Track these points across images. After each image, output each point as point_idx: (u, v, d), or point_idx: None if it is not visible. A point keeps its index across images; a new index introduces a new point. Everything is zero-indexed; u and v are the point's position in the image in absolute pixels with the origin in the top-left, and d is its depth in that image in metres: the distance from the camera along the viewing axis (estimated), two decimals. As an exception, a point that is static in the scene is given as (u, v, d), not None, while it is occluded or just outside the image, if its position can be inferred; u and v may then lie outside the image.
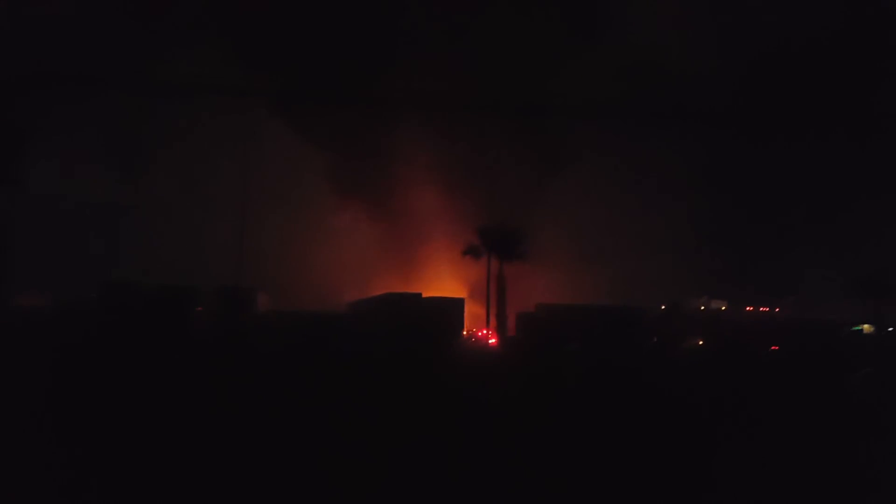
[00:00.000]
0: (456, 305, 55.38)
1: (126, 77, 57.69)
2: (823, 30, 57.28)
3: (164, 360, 33.42)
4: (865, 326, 60.00)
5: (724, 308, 68.03)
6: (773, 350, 55.30)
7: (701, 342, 59.56)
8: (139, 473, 14.31)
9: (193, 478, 14.31)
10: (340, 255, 69.54)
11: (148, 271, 53.61)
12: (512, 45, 61.70)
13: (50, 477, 13.75)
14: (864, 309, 57.59)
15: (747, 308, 68.10)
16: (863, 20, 57.29)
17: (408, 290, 59.22)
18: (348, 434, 18.64)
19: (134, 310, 46.96)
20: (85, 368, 29.33)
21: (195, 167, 63.48)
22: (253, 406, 21.91)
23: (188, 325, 49.79)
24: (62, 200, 59.16)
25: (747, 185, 64.74)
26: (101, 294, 48.99)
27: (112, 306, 46.90)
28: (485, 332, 57.48)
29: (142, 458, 15.21)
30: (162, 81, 58.65)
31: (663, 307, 61.86)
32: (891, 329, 58.99)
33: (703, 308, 67.22)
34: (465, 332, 57.29)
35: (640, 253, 64.23)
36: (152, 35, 62.71)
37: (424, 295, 58.38)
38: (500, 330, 55.88)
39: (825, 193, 62.78)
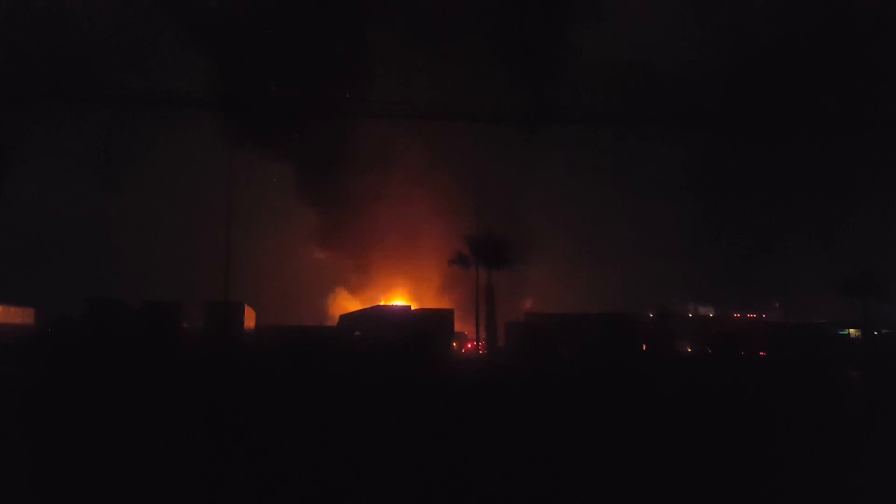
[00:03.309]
0: (445, 317, 55.10)
1: (109, 90, 57.16)
2: (809, 33, 58.27)
3: (150, 377, 32.82)
4: (852, 331, 60.57)
5: (711, 315, 68.58)
6: (761, 356, 55.63)
7: (690, 349, 59.82)
8: (124, 494, 14.01)
9: (180, 499, 14.03)
10: (326, 267, 69.34)
11: (132, 287, 52.92)
12: (499, 51, 62.02)
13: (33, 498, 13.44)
14: (853, 311, 58.20)
15: (734, 314, 68.66)
16: (846, 27, 58.30)
17: (396, 303, 59.08)
18: (342, 449, 18.41)
19: (119, 326, 46.14)
20: (69, 386, 28.71)
21: (179, 181, 63.00)
22: (243, 423, 21.57)
23: (174, 341, 48.92)
24: (45, 215, 58.31)
25: (734, 189, 65.42)
26: (84, 310, 48.11)
27: (96, 323, 46.04)
28: (474, 342, 57.23)
29: (126, 478, 14.89)
30: (145, 94, 58.26)
31: (651, 314, 62.07)
32: (876, 333, 59.57)
33: (690, 315, 67.65)
34: (454, 344, 57.00)
35: (627, 260, 64.64)
36: (134, 47, 62.35)
37: (413, 307, 58.29)
38: (490, 340, 55.61)
39: (812, 196, 63.59)
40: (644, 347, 56.09)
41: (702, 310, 68.54)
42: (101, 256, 57.86)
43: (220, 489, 14.51)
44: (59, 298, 50.31)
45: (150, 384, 30.63)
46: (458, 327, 56.79)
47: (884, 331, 59.26)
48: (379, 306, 57.49)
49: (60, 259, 56.14)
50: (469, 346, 58.12)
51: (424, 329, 50.90)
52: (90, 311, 47.27)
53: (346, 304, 65.36)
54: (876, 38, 58.45)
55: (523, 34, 62.53)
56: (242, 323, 54.24)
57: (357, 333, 52.09)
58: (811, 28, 57.99)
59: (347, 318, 57.65)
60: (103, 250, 58.48)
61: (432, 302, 63.10)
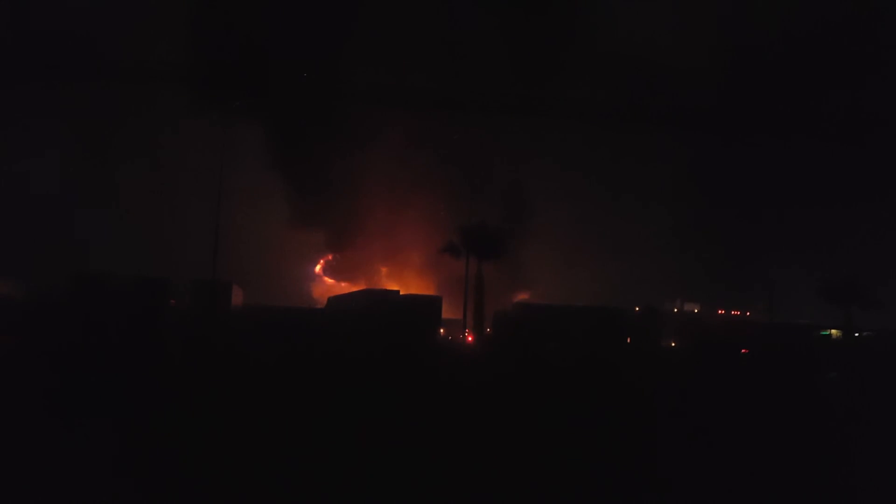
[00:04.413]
0: (433, 303, 55.34)
1: (102, 65, 56.55)
2: (798, 34, 58.31)
3: (136, 354, 32.81)
4: (833, 331, 61.32)
5: (696, 311, 69.12)
6: (744, 353, 56.33)
7: (673, 344, 60.43)
8: (109, 472, 13.98)
9: (167, 478, 14.03)
10: (315, 249, 69.32)
11: (120, 262, 52.68)
12: (496, 43, 61.66)
13: (17, 474, 13.41)
14: (836, 313, 58.93)
15: (719, 311, 69.26)
16: (847, 29, 58.31)
17: (385, 288, 59.18)
18: (330, 433, 18.50)
19: (106, 301, 46.04)
20: (55, 361, 28.65)
21: (170, 157, 62.53)
22: (229, 404, 21.61)
23: (161, 318, 48.87)
24: (35, 188, 57.76)
25: (723, 187, 65.76)
26: (72, 285, 47.95)
27: (84, 297, 45.92)
28: (467, 330, 57.39)
29: (112, 457, 14.87)
30: (138, 70, 57.76)
31: (638, 309, 62.51)
32: (857, 334, 60.32)
33: (676, 311, 68.16)
34: (442, 331, 57.25)
35: (616, 254, 64.92)
36: (126, 21, 61.51)
37: (402, 293, 58.42)
38: (478, 328, 55.96)
39: (802, 199, 64.06)
40: (628, 341, 56.69)
41: (687, 306, 69.04)
42: (89, 231, 57.47)
43: (209, 471, 14.56)
44: (45, 273, 50.00)
45: (135, 361, 30.65)
46: (447, 314, 56.99)
47: (864, 333, 60.05)
48: (368, 290, 57.62)
49: (48, 233, 55.75)
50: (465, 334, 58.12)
51: (412, 314, 51.17)
52: (77, 286, 47.11)
53: (335, 286, 65.45)
54: (876, 43, 58.57)
55: (523, 24, 62.19)
56: (230, 302, 54.20)
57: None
58: (811, 31, 58.02)
59: (336, 301, 57.74)
60: (91, 225, 58.09)
61: (421, 288, 63.30)
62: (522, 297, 60.30)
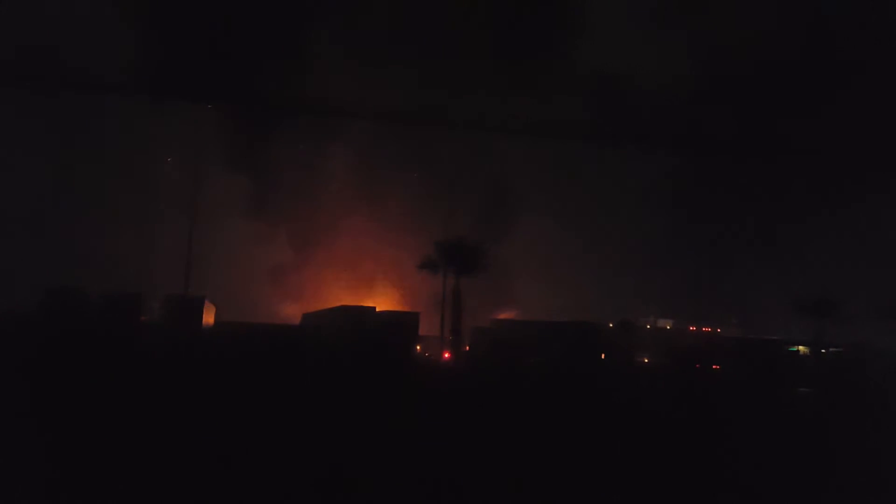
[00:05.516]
0: (411, 320, 55.10)
1: (73, 77, 55.84)
2: (767, 56, 60.10)
3: (107, 370, 32.20)
4: (801, 348, 62.59)
5: (668, 327, 69.96)
6: (715, 370, 57.18)
7: (647, 360, 61.08)
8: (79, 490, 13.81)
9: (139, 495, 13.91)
10: (292, 265, 68.61)
11: (92, 278, 51.61)
12: (473, 61, 62.28)
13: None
14: (806, 329, 60.14)
15: (691, 328, 70.20)
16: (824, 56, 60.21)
17: (361, 304, 58.69)
18: (305, 448, 18.43)
19: (76, 318, 45.15)
20: (24, 379, 27.95)
21: (142, 172, 61.73)
22: (201, 420, 21.38)
23: (133, 335, 47.96)
24: (3, 202, 56.44)
25: (697, 205, 67.07)
26: (42, 300, 46.91)
27: (53, 313, 44.93)
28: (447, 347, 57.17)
29: (82, 474, 14.67)
30: (108, 83, 57.17)
31: (611, 325, 63.12)
32: (824, 351, 61.63)
33: (648, 327, 68.90)
34: (418, 347, 56.99)
35: (592, 270, 65.58)
36: (96, 33, 60.85)
37: (378, 309, 58.06)
38: (455, 345, 55.79)
39: (769, 214, 65.68)
40: (603, 357, 57.14)
41: (660, 322, 69.85)
42: (60, 247, 56.32)
43: (181, 484, 14.43)
44: (15, 289, 48.80)
45: (106, 377, 30.10)
46: (423, 331, 56.76)
47: (832, 349, 61.37)
48: (343, 306, 57.04)
49: (18, 248, 54.51)
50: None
51: (388, 331, 50.91)
52: (48, 301, 46.15)
53: (310, 303, 64.66)
54: (852, 70, 60.58)
55: (508, 42, 62.93)
56: (202, 317, 53.29)
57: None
58: (778, 56, 59.92)
59: (310, 318, 57.19)
60: (63, 240, 56.95)
61: (395, 304, 63.02)
62: (502, 314, 60.42)
